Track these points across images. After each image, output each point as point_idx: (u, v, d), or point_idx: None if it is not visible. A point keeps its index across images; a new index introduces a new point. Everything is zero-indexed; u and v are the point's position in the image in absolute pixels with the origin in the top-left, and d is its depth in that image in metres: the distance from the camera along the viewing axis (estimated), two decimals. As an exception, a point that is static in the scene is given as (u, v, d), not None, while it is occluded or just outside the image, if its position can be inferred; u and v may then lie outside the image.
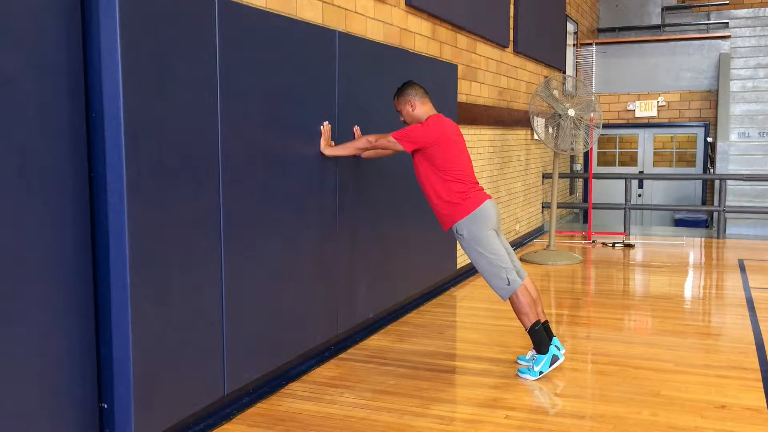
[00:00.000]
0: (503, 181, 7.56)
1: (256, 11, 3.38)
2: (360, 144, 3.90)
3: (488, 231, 3.77)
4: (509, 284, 3.74)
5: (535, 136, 8.21)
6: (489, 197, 3.84)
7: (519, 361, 3.96)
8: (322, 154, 3.85)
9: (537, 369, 3.74)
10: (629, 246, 8.24)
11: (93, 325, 2.65)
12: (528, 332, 3.79)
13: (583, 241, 8.69)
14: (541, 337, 3.77)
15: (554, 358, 3.78)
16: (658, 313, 5.25)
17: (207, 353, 3.09)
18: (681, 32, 12.71)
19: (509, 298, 3.78)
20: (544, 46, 8.93)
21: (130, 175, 2.61)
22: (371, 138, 3.85)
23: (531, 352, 3.86)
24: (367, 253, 4.47)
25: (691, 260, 7.76)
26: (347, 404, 3.41)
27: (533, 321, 3.76)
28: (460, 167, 3.78)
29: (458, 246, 5.85)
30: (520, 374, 3.77)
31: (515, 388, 3.65)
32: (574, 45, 11.34)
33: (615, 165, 12.43)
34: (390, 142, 3.77)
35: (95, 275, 2.66)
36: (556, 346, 3.81)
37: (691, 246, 8.55)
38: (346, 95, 4.11)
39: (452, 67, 5.76)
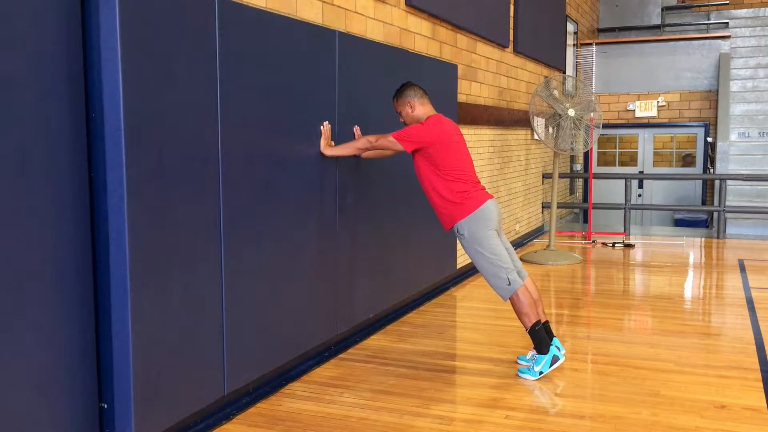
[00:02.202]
0: (503, 181, 7.56)
1: (256, 11, 3.38)
2: (360, 144, 3.90)
3: (489, 231, 3.76)
4: (509, 284, 3.74)
5: (535, 136, 8.21)
6: (491, 197, 3.83)
7: (519, 361, 3.96)
8: (322, 154, 3.85)
9: (537, 369, 3.74)
10: (629, 246, 8.24)
11: (93, 325, 2.65)
12: (528, 332, 3.79)
13: (583, 241, 8.69)
14: (541, 337, 3.77)
15: (554, 359, 3.77)
16: (658, 313, 5.25)
17: (207, 353, 3.09)
18: (681, 32, 12.71)
19: (509, 298, 3.78)
20: (544, 46, 8.93)
21: (130, 175, 2.61)
22: (371, 138, 3.85)
23: (531, 353, 3.85)
24: (367, 253, 4.47)
25: (691, 260, 7.76)
26: (347, 404, 3.41)
27: (533, 321, 3.75)
28: (460, 167, 3.78)
29: (458, 246, 5.85)
30: (520, 374, 3.77)
31: (515, 388, 3.65)
32: (574, 45, 11.34)
33: (615, 165, 12.43)
34: (390, 142, 3.77)
35: (95, 275, 2.66)
36: (556, 346, 3.81)
37: (691, 246, 8.55)
38: (346, 95, 4.11)
39: (452, 67, 5.76)
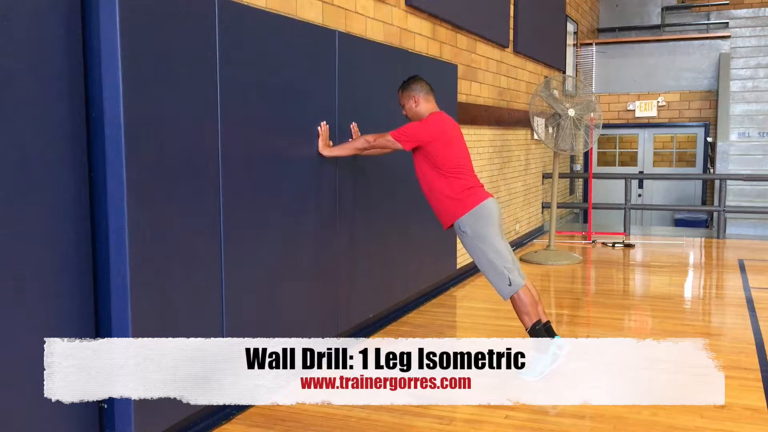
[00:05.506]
0: (503, 181, 7.56)
1: (256, 11, 3.38)
2: (359, 144, 3.90)
3: (492, 228, 3.76)
4: (511, 284, 3.73)
5: (535, 136, 8.21)
6: (491, 195, 3.84)
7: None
8: (320, 154, 3.85)
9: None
10: (629, 246, 8.23)
11: (93, 325, 2.65)
12: (528, 332, 3.77)
13: (583, 241, 8.69)
14: (541, 337, 3.76)
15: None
16: (658, 313, 5.25)
17: (207, 353, 3.08)
18: (681, 32, 12.70)
19: (510, 298, 3.77)
20: (544, 46, 8.93)
21: (130, 175, 2.61)
22: (369, 138, 3.85)
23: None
24: (367, 253, 4.47)
25: (691, 260, 7.76)
26: (347, 404, 3.40)
27: (534, 321, 3.74)
28: (460, 165, 3.78)
29: (458, 245, 5.85)
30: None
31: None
32: (574, 45, 11.33)
33: (615, 165, 12.42)
34: (388, 141, 3.77)
35: (95, 275, 2.66)
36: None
37: (691, 246, 8.55)
38: (346, 95, 4.11)
39: (452, 67, 5.76)
